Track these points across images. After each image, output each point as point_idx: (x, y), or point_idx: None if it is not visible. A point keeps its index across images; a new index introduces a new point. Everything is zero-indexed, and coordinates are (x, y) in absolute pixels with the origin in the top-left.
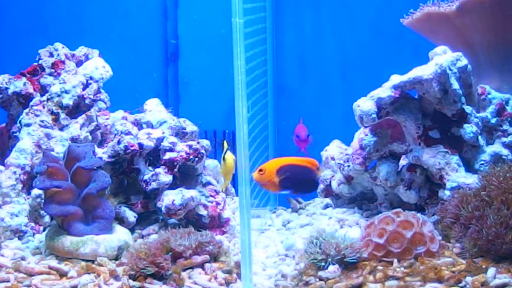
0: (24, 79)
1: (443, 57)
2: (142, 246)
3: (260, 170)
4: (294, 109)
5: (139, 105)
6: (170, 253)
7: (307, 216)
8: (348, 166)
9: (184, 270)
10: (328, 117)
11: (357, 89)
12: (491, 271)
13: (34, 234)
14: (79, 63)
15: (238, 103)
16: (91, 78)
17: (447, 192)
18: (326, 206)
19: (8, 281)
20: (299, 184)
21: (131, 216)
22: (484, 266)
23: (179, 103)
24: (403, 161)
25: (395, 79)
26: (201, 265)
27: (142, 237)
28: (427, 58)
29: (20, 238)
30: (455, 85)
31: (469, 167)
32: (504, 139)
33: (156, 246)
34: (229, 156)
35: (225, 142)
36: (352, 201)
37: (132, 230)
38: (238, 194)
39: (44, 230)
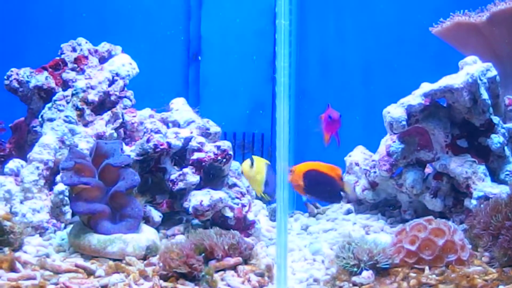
0: (46, 73)
1: (474, 67)
2: (174, 246)
3: (290, 171)
4: (315, 114)
5: (165, 104)
6: (203, 254)
7: (329, 221)
8: (374, 172)
9: (216, 272)
10: (349, 123)
11: (378, 95)
12: None
13: (55, 231)
14: (101, 59)
15: (280, 106)
16: (117, 74)
17: (474, 201)
18: (348, 212)
19: (35, 279)
20: (322, 193)
21: (156, 215)
22: None
23: (199, 104)
24: (427, 169)
25: (426, 87)
26: (233, 268)
27: (167, 237)
28: (449, 66)
29: (41, 234)
30: (485, 95)
31: (495, 177)
32: None
33: (189, 246)
34: (259, 160)
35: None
36: (374, 207)
37: (156, 230)
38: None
39: (65, 227)
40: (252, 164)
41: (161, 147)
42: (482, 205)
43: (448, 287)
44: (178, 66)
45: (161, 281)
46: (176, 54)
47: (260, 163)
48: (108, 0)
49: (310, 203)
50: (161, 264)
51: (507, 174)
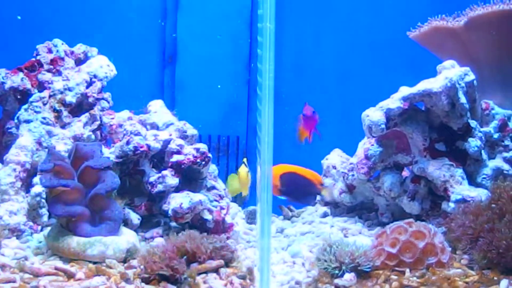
0: (21, 74)
1: (452, 71)
2: (156, 249)
3: None
4: (291, 117)
5: (142, 106)
6: (185, 257)
7: (305, 224)
8: (353, 175)
9: (198, 274)
10: (325, 126)
11: (354, 98)
12: (504, 282)
13: (32, 233)
14: (78, 61)
15: (264, 108)
16: (95, 76)
17: (452, 205)
18: (325, 215)
19: (15, 282)
20: (298, 194)
21: (135, 218)
22: (495, 278)
23: (174, 106)
24: (404, 173)
25: (405, 90)
26: (215, 270)
27: (145, 240)
28: (424, 70)
29: (18, 237)
30: (463, 99)
31: (472, 181)
32: (505, 154)
33: (171, 249)
34: (243, 169)
35: (245, 159)
36: (351, 210)
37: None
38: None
39: (42, 229)
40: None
41: (141, 149)
42: (460, 208)
43: None
44: (153, 69)
45: (143, 284)
46: (151, 57)
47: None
48: (84, 2)
49: (284, 207)
50: (142, 266)
51: (484, 178)
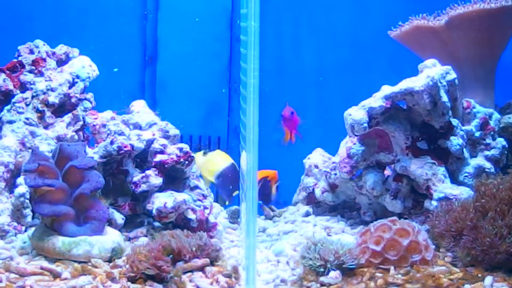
0: (3, 75)
1: (434, 70)
2: (142, 248)
3: None
4: (271, 117)
5: (125, 106)
6: (171, 256)
7: (288, 223)
8: (335, 174)
9: (184, 273)
10: (305, 125)
11: (336, 98)
12: (488, 279)
13: (16, 234)
14: (59, 62)
15: (249, 107)
16: (77, 76)
17: (434, 203)
18: (307, 214)
19: (0, 281)
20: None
21: (119, 218)
22: (479, 275)
23: (155, 106)
24: (386, 171)
25: (387, 89)
26: (201, 269)
27: (129, 239)
28: (404, 68)
29: (2, 237)
30: (445, 97)
31: (454, 179)
32: (487, 153)
33: (157, 248)
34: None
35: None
36: (333, 209)
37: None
38: (216, 199)
39: (26, 230)
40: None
41: (125, 149)
42: (443, 206)
43: (415, 286)
44: (134, 69)
45: (129, 283)
46: (132, 57)
47: (218, 156)
48: (64, 3)
49: (266, 206)
50: (127, 266)
51: (466, 176)
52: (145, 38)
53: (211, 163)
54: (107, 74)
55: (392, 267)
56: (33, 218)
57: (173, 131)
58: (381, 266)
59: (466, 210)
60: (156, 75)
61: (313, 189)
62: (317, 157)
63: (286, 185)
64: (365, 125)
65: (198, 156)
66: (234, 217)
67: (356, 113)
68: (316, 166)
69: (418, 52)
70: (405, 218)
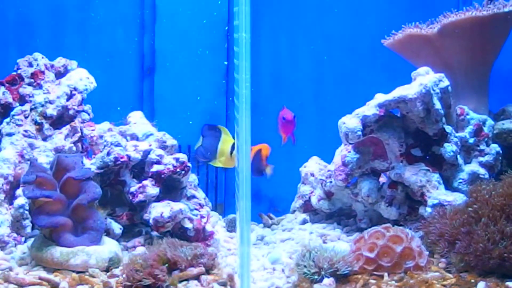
0: (3, 88)
1: (427, 77)
2: (138, 258)
3: None
4: (267, 126)
5: (122, 118)
6: (167, 265)
7: (285, 231)
8: (330, 182)
9: (180, 282)
10: (302, 134)
11: (330, 106)
12: (481, 285)
13: (16, 245)
14: (58, 74)
15: (241, 117)
16: (75, 89)
17: (429, 209)
18: (304, 222)
19: None
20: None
21: (117, 228)
22: (472, 281)
23: (154, 117)
24: (381, 179)
25: (380, 97)
26: (196, 278)
27: (127, 249)
28: (400, 77)
29: (2, 248)
30: (438, 105)
31: (448, 185)
32: (481, 159)
33: (153, 257)
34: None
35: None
36: (330, 216)
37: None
38: (214, 208)
39: (25, 241)
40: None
41: (121, 160)
42: (437, 212)
43: None
44: (132, 80)
45: None
46: (130, 68)
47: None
48: (62, 15)
49: (264, 214)
50: (124, 275)
51: (460, 182)
52: (142, 49)
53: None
54: (106, 86)
55: (386, 274)
56: (32, 229)
57: (171, 141)
58: (375, 272)
59: (459, 216)
60: (154, 86)
61: (310, 197)
62: (313, 165)
63: (284, 194)
64: (359, 133)
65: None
66: (232, 226)
67: (350, 122)
68: (312, 174)
69: (412, 60)
70: (401, 225)
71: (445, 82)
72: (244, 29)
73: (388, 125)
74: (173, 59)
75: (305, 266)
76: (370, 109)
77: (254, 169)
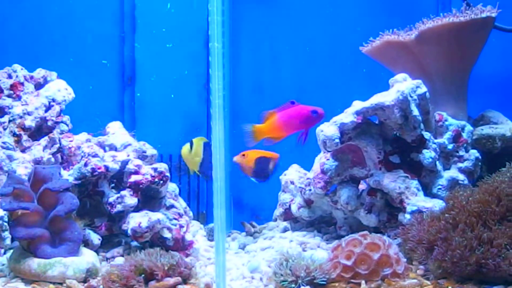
0: None
1: (404, 84)
2: (114, 268)
3: (243, 155)
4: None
5: (101, 128)
6: (143, 275)
7: (266, 239)
8: (310, 190)
9: None
10: (283, 141)
11: None
12: None
13: None
14: (37, 85)
15: (215, 127)
16: (53, 100)
17: (408, 216)
18: (285, 230)
19: None
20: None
21: (95, 238)
22: (450, 287)
23: (135, 127)
24: (361, 186)
25: (358, 105)
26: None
27: (107, 259)
28: (380, 84)
29: None
30: (415, 111)
31: (427, 191)
32: (460, 165)
33: (129, 268)
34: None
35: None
36: (310, 224)
37: (96, 253)
38: (196, 217)
39: (5, 252)
40: (191, 148)
41: (99, 170)
42: (415, 219)
43: None
44: (113, 90)
45: None
46: (110, 78)
47: (198, 145)
48: (42, 26)
49: (247, 223)
50: (101, 286)
51: (440, 188)
52: (123, 59)
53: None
54: (88, 96)
55: (363, 281)
56: (12, 240)
57: (151, 151)
58: (352, 280)
59: (436, 223)
60: (135, 95)
61: (290, 205)
62: (293, 173)
63: (266, 202)
64: (337, 140)
65: (185, 151)
66: (213, 235)
67: (328, 129)
68: (292, 182)
69: (390, 66)
70: (381, 232)
71: (423, 89)
72: (216, 39)
73: (366, 132)
74: (153, 69)
75: (282, 275)
76: (347, 116)
77: (261, 172)
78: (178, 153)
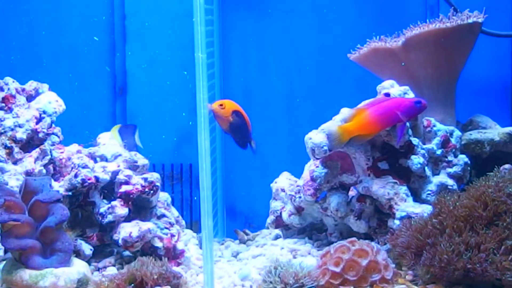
0: None
1: (391, 90)
2: (104, 278)
3: (221, 105)
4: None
5: (92, 139)
6: (133, 285)
7: (258, 247)
8: (300, 197)
9: None
10: (274, 149)
11: (302, 122)
12: None
13: None
14: (29, 97)
15: (200, 136)
16: (44, 112)
17: (397, 222)
18: (276, 237)
19: None
20: (238, 136)
21: (87, 249)
22: None
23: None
24: (351, 192)
25: (345, 112)
26: None
27: (99, 270)
28: (369, 91)
29: None
30: None
31: (416, 197)
32: (449, 170)
33: (119, 277)
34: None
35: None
36: (302, 231)
37: (88, 263)
38: (189, 226)
39: None
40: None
41: (89, 181)
42: (404, 225)
43: None
44: (104, 101)
45: None
46: (102, 89)
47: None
48: (33, 37)
49: (240, 231)
50: None
51: (429, 194)
52: (114, 70)
53: None
54: (79, 107)
55: None
56: (5, 252)
57: (142, 161)
58: (341, 287)
59: (424, 228)
60: (127, 106)
61: (281, 213)
62: (283, 181)
63: (259, 209)
64: (325, 148)
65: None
66: None
67: (316, 137)
68: (283, 190)
69: (378, 73)
70: (371, 238)
71: (410, 95)
72: (200, 49)
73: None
74: (144, 79)
75: (271, 282)
76: (335, 123)
77: (240, 139)
78: (170, 162)
